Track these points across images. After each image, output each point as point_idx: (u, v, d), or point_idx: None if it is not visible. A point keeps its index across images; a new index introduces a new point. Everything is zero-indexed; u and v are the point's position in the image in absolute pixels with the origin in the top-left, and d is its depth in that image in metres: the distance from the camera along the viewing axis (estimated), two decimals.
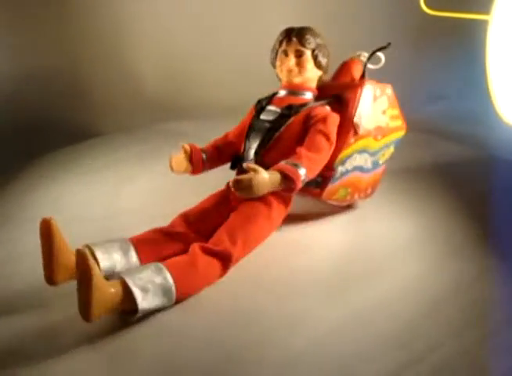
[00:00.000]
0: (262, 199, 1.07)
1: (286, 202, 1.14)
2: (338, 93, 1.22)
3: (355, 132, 1.16)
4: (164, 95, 2.22)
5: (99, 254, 0.96)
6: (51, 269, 0.91)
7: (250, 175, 0.99)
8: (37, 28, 2.13)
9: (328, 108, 1.18)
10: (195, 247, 0.98)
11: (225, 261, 0.98)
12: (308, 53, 1.18)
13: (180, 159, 1.20)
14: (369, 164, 1.26)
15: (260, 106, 1.22)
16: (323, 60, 1.21)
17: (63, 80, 2.13)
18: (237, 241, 1.01)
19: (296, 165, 1.05)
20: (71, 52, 2.20)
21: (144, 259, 1.01)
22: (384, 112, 1.23)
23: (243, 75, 2.25)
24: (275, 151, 1.15)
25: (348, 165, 1.21)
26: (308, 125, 1.15)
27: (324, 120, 1.14)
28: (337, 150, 1.16)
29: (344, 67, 1.29)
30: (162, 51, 2.30)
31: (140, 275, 0.89)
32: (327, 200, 1.24)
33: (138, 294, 0.86)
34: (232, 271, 1.03)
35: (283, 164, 1.05)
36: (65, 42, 2.20)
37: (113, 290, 0.84)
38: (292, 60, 1.18)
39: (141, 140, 1.99)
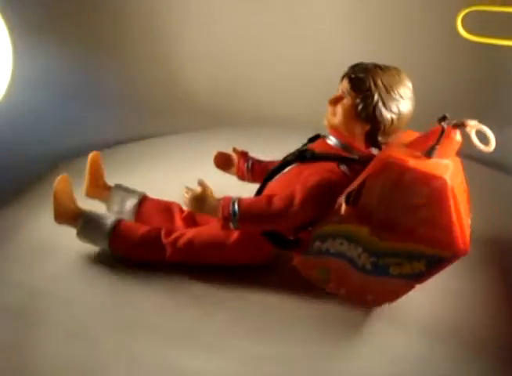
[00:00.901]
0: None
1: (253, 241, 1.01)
2: (369, 157, 0.96)
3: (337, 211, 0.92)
4: (215, 101, 2.14)
5: (115, 197, 1.19)
6: (89, 188, 1.20)
7: (195, 190, 0.98)
8: (90, 27, 2.07)
9: (343, 168, 0.97)
10: (156, 227, 1.08)
11: (161, 250, 1.05)
12: (348, 98, 0.97)
13: (226, 156, 1.22)
14: (367, 264, 0.96)
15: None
16: (366, 111, 0.96)
17: (112, 82, 2.10)
18: (182, 243, 1.04)
19: (236, 200, 0.95)
20: (122, 52, 2.14)
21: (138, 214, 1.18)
22: (415, 208, 0.87)
23: (297, 83, 2.13)
24: (275, 185, 1.03)
25: (330, 245, 0.96)
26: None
27: (309, 179, 0.96)
28: (319, 219, 0.95)
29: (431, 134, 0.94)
30: (213, 56, 2.23)
31: (100, 214, 1.10)
32: (305, 275, 1.02)
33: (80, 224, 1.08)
34: None
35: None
36: (116, 43, 2.14)
37: (72, 206, 1.09)
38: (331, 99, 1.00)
39: (188, 145, 1.82)
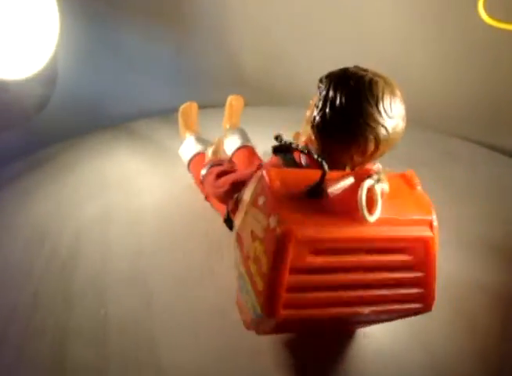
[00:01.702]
0: None
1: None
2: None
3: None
4: (263, 79, 2.20)
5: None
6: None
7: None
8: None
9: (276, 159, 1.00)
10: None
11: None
12: (312, 100, 0.95)
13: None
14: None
15: None
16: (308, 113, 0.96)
17: (168, 52, 2.19)
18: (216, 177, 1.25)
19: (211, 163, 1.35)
20: (179, 24, 2.18)
21: None
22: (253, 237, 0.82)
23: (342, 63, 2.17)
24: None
25: None
26: None
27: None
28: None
29: None
30: (263, 35, 2.20)
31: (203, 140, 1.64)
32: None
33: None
34: None
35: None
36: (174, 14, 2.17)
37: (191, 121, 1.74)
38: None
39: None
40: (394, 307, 0.84)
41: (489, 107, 1.82)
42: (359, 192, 0.72)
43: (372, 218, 0.73)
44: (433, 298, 0.86)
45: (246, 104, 1.93)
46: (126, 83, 2.08)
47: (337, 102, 0.85)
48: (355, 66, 0.91)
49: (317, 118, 0.89)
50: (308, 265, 0.74)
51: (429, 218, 0.82)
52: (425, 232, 0.81)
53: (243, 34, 2.20)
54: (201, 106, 1.88)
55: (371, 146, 0.86)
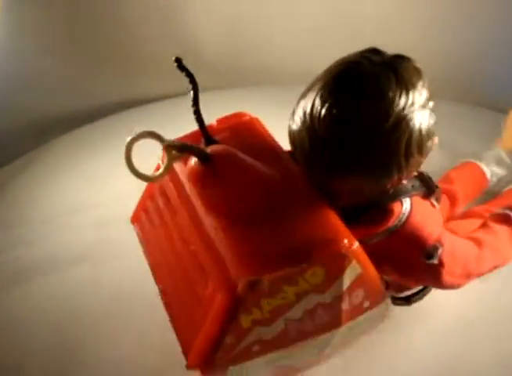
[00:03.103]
0: None
1: None
2: None
3: None
4: (226, 59, 1.92)
5: None
6: None
7: None
8: None
9: None
10: None
11: None
12: None
13: None
14: None
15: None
16: None
17: (108, 41, 1.84)
18: None
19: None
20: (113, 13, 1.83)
21: None
22: None
23: (315, 37, 1.85)
24: None
25: None
26: None
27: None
28: None
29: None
30: (223, 9, 1.93)
31: None
32: None
33: None
34: None
35: None
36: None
37: None
38: None
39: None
40: None
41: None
42: None
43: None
44: None
45: (210, 88, 1.74)
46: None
47: None
48: None
49: None
50: None
51: None
52: None
53: (198, 10, 1.89)
54: (155, 99, 1.72)
55: None
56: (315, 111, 0.58)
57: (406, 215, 0.65)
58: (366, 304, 0.66)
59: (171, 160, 0.57)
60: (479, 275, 0.75)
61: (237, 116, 0.77)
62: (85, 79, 1.78)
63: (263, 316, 0.58)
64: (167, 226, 0.72)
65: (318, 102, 0.58)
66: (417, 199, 0.68)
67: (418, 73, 0.60)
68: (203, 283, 0.60)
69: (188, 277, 0.65)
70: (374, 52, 0.61)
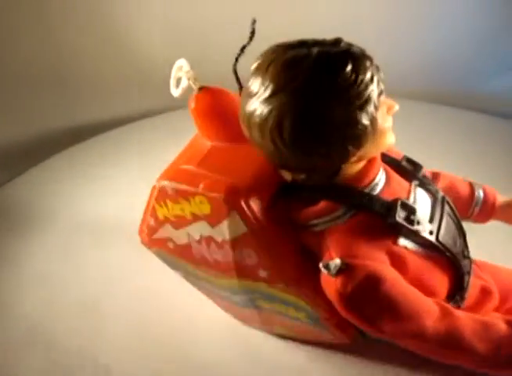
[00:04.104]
0: None
1: None
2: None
3: None
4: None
5: None
6: None
7: None
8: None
9: None
10: None
11: None
12: None
13: None
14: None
15: (412, 218, 0.63)
16: None
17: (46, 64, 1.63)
18: None
19: None
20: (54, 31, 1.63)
21: None
22: None
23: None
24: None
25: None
26: None
27: None
28: None
29: None
30: (169, 18, 1.75)
31: None
32: None
33: None
34: None
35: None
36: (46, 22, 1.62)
37: None
38: None
39: (152, 134, 1.57)
40: None
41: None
42: None
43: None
44: None
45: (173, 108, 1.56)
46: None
47: None
48: None
49: None
50: None
51: None
52: None
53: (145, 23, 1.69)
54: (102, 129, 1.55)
55: None
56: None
57: (337, 221, 0.63)
58: (263, 274, 0.68)
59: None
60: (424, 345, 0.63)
61: None
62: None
63: (170, 216, 0.70)
64: None
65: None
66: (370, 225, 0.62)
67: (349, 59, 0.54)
68: None
69: None
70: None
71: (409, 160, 0.73)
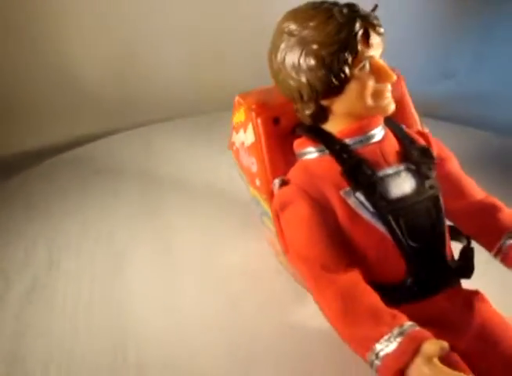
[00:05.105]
0: None
1: None
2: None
3: None
4: (114, 98, 1.72)
5: None
6: None
7: None
8: None
9: None
10: None
11: None
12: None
13: None
14: None
15: (365, 180, 0.67)
16: None
17: None
18: None
19: None
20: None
21: None
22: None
23: (212, 62, 1.78)
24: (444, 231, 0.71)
25: None
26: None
27: (438, 144, 0.78)
28: None
29: None
30: (103, 40, 1.71)
31: None
32: None
33: None
34: None
35: None
36: None
37: None
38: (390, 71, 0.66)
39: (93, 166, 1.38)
40: None
41: None
42: None
43: None
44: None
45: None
46: None
47: None
48: None
49: None
50: None
51: None
52: None
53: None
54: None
55: None
56: None
57: (304, 157, 0.73)
58: (258, 183, 0.85)
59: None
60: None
61: None
62: None
63: (234, 123, 0.94)
64: None
65: None
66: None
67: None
68: None
69: None
70: None
71: (423, 151, 0.73)
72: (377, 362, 0.52)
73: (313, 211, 0.67)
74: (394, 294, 0.66)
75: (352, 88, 0.66)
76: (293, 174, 0.74)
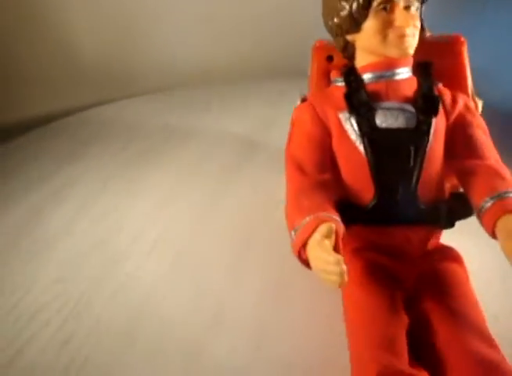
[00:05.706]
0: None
1: None
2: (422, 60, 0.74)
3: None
4: (107, 67, 1.67)
5: None
6: None
7: None
8: None
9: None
10: None
11: None
12: (416, 5, 0.71)
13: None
14: None
15: (360, 106, 0.72)
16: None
17: None
18: None
19: None
20: None
21: None
22: None
23: (207, 30, 1.67)
24: (427, 176, 0.71)
25: None
26: (450, 119, 0.73)
27: (467, 107, 0.74)
28: None
29: None
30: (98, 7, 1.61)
31: None
32: None
33: None
34: None
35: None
36: None
37: None
38: (409, 19, 0.70)
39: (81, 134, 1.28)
40: None
41: None
42: None
43: None
44: None
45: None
46: None
47: None
48: None
49: None
50: None
51: None
52: None
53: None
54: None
55: None
56: None
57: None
58: None
59: None
60: None
61: None
62: None
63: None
64: None
65: None
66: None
67: None
68: None
69: None
70: None
71: (429, 98, 0.73)
72: (293, 237, 0.60)
73: (315, 127, 0.76)
74: (358, 214, 0.75)
75: (370, 25, 0.72)
76: (314, 94, 0.86)
